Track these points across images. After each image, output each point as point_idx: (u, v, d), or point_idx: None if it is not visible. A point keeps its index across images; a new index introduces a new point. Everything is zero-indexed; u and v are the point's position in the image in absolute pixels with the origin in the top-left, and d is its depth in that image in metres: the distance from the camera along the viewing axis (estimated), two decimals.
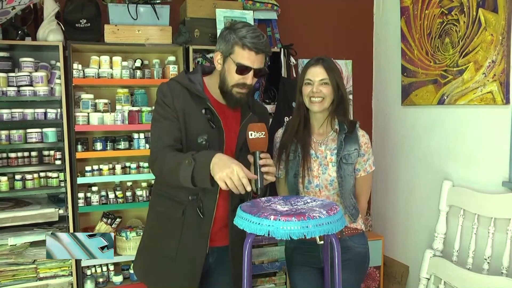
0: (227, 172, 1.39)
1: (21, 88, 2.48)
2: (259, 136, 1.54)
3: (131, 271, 2.71)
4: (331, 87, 1.84)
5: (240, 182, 1.39)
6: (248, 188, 1.40)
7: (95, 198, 2.62)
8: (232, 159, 1.45)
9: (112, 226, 2.71)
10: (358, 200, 1.98)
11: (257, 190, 1.53)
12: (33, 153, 2.60)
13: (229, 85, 1.64)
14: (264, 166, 1.54)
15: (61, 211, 2.50)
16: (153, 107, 1.75)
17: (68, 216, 2.53)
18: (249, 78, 1.62)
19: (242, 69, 1.60)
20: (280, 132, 2.01)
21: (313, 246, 1.86)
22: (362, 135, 1.92)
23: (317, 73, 1.84)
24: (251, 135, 1.54)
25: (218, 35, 1.70)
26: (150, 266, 1.74)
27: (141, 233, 2.61)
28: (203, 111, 1.65)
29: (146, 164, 2.71)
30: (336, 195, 1.88)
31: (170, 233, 1.68)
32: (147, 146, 2.67)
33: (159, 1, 2.71)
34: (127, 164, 2.73)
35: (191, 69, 2.65)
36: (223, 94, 1.68)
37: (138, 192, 2.72)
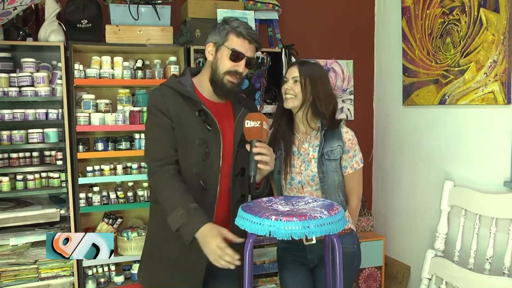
0: (209, 251, 1.48)
1: (23, 89, 2.48)
2: (254, 125, 1.55)
3: (133, 272, 2.72)
4: (300, 86, 1.88)
5: (225, 253, 1.44)
6: (237, 263, 1.44)
7: (96, 199, 2.62)
8: (212, 229, 1.49)
9: (114, 226, 2.71)
10: (348, 198, 1.99)
11: (251, 177, 1.54)
12: (35, 154, 2.61)
13: (220, 72, 1.65)
14: (258, 155, 1.54)
15: (62, 212, 2.50)
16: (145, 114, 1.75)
17: (69, 217, 2.53)
18: (241, 66, 1.65)
19: (236, 55, 1.63)
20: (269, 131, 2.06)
21: (300, 246, 1.88)
22: (345, 131, 1.94)
23: (291, 72, 1.92)
24: (247, 124, 1.56)
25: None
26: (154, 272, 1.75)
27: (142, 233, 2.63)
28: (197, 113, 1.65)
29: None
30: (320, 191, 1.90)
31: (172, 238, 1.66)
32: None
33: (160, 1, 2.71)
34: (128, 164, 2.73)
35: None
36: (213, 85, 1.68)
37: (140, 192, 2.72)
